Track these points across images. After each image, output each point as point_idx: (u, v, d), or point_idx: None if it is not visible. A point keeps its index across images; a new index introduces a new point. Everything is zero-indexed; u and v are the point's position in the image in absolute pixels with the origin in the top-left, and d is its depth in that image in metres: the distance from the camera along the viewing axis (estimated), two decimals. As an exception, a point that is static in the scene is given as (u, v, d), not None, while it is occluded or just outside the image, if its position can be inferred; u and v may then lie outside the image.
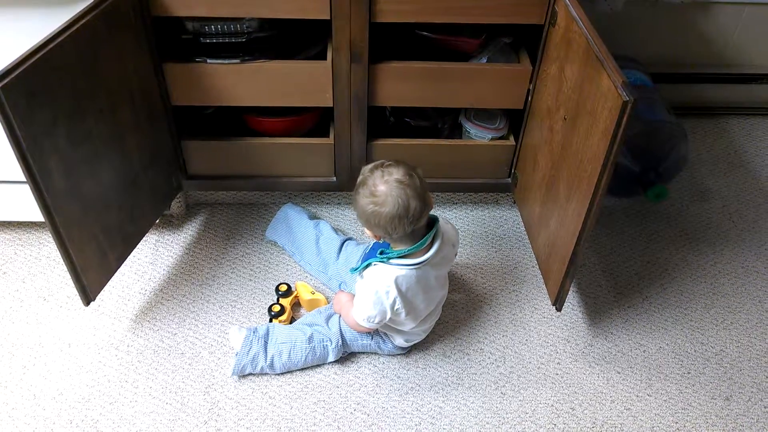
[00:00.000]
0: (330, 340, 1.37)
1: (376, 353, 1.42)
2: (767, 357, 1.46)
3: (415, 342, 1.41)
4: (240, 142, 1.55)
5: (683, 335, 1.50)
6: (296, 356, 1.36)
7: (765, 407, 1.37)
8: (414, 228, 1.20)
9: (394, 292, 1.23)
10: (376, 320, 1.27)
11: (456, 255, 1.38)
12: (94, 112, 1.23)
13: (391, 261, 1.23)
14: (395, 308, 1.25)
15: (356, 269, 1.30)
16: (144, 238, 1.55)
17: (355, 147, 1.55)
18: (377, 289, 1.23)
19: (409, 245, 1.22)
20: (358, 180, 1.22)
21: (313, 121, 1.60)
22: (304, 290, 1.50)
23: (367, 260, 1.26)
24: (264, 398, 1.34)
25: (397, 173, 1.18)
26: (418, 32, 1.46)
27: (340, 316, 1.39)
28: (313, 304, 1.48)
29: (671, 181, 1.75)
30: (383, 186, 1.17)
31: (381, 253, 1.24)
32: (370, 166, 1.22)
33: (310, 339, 1.36)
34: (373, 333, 1.38)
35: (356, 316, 1.28)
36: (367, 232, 1.26)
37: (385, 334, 1.38)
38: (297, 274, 1.59)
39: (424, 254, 1.24)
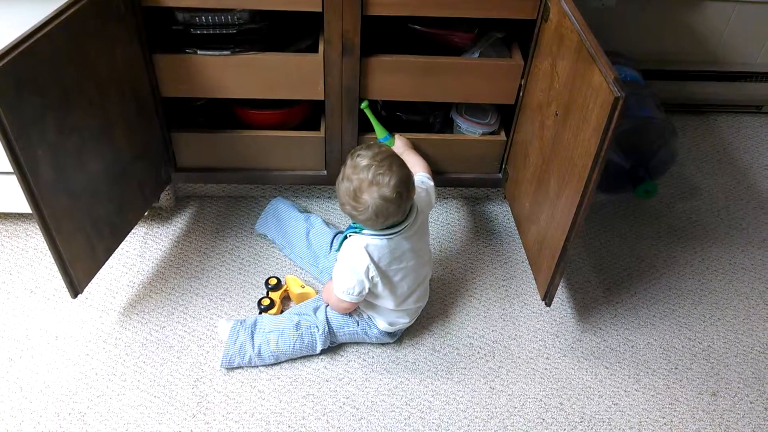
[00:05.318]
0: (317, 327, 1.37)
1: (364, 343, 1.42)
2: (754, 353, 1.48)
3: (401, 328, 1.41)
4: (230, 134, 1.54)
5: (671, 331, 1.51)
6: (284, 344, 1.36)
7: (751, 402, 1.38)
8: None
9: (366, 259, 1.24)
10: (355, 291, 1.28)
11: (433, 200, 1.38)
12: (82, 103, 1.21)
13: (364, 231, 1.25)
14: (370, 275, 1.26)
15: (337, 249, 1.32)
16: (133, 231, 1.55)
17: (346, 141, 1.54)
18: (350, 257, 1.26)
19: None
20: (347, 167, 1.20)
21: (304, 114, 1.60)
22: (294, 284, 1.49)
23: (343, 235, 1.29)
24: (253, 392, 1.34)
25: (387, 188, 1.16)
26: (410, 26, 1.46)
27: (327, 306, 1.39)
28: (303, 298, 1.48)
29: (660, 178, 1.76)
30: (367, 196, 1.17)
31: (355, 223, 1.27)
32: (365, 161, 1.18)
33: (298, 326, 1.37)
34: (357, 318, 1.38)
35: (336, 291, 1.30)
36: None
37: (369, 317, 1.38)
38: (287, 268, 1.58)
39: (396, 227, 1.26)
